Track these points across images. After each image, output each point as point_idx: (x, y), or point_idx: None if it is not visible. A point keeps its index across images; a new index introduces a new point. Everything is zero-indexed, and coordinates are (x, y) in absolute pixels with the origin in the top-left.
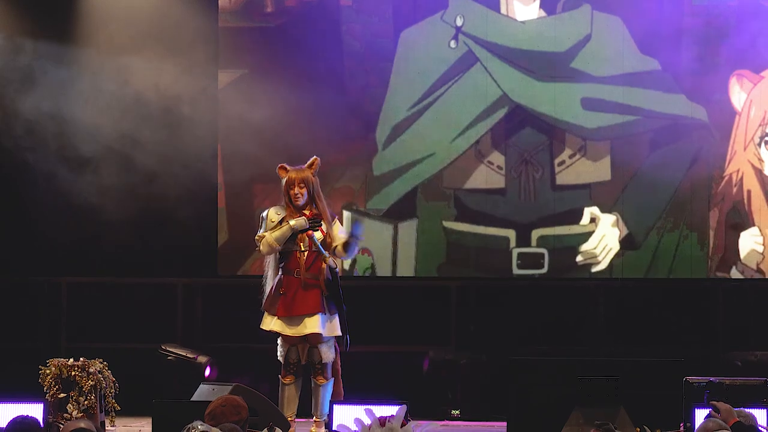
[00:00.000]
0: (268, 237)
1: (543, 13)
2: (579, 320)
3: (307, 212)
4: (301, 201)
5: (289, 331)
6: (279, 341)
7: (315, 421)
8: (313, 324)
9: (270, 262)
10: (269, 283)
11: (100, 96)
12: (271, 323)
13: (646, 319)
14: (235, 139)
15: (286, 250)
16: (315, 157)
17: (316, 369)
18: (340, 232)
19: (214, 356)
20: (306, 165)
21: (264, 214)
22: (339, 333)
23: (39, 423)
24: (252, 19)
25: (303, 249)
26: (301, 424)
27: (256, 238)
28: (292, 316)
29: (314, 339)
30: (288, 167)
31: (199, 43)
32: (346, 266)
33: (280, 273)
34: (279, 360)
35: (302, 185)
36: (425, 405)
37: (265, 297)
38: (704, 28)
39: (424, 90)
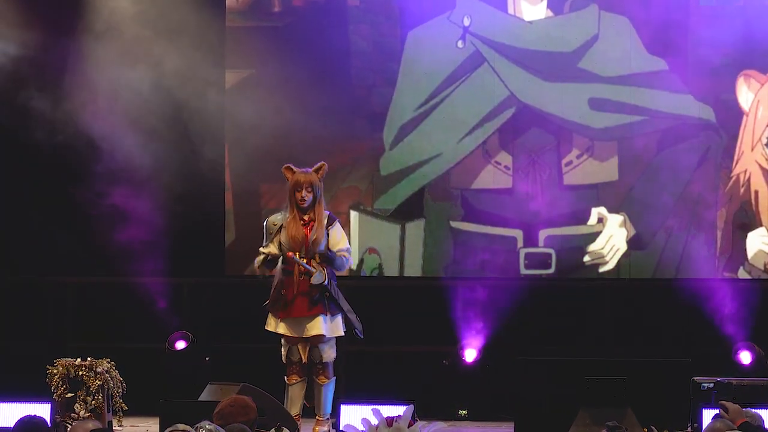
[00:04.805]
0: (257, 264)
1: (550, 13)
2: (586, 320)
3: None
4: (306, 204)
5: (292, 333)
6: (282, 341)
7: (318, 419)
8: (316, 326)
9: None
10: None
11: (105, 95)
12: (275, 326)
13: (653, 319)
14: (242, 139)
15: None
16: (323, 162)
17: (317, 368)
18: (338, 238)
19: (220, 356)
20: (313, 169)
21: (265, 222)
22: (341, 333)
23: (46, 423)
24: (259, 19)
25: (299, 256)
26: (306, 424)
27: (260, 250)
28: (294, 318)
29: (315, 339)
30: (294, 168)
31: (206, 43)
32: (354, 266)
33: (281, 273)
34: (282, 361)
35: (310, 189)
36: (432, 405)
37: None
38: (711, 28)
39: (432, 90)
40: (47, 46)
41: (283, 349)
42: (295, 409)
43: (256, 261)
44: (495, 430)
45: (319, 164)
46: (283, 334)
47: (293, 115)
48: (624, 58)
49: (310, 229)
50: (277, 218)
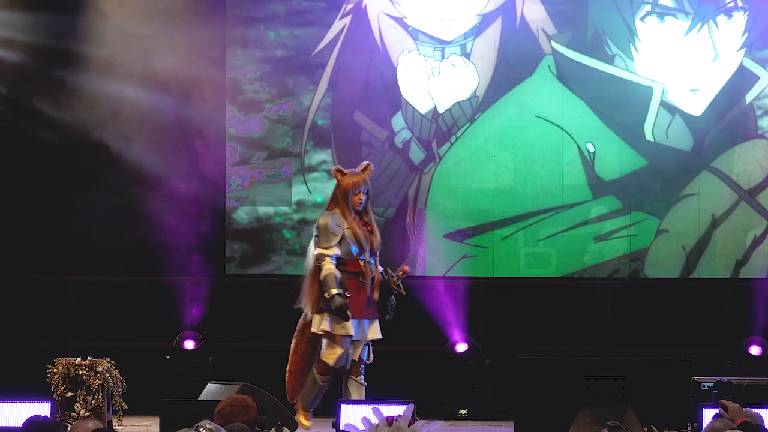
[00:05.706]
0: (329, 278)
1: (550, 13)
2: (587, 320)
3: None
4: (360, 207)
5: (358, 335)
6: (336, 342)
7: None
8: (376, 329)
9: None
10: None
11: (106, 97)
12: (337, 326)
13: (654, 319)
14: (243, 139)
15: (348, 257)
16: (368, 162)
17: (359, 369)
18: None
19: (220, 355)
20: (359, 169)
21: (323, 223)
22: None
23: (55, 424)
24: (260, 19)
25: (367, 258)
26: (317, 423)
27: (320, 253)
28: (361, 320)
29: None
30: (345, 170)
31: (208, 43)
32: None
33: (340, 275)
34: (323, 359)
35: (366, 191)
36: (432, 404)
37: (317, 298)
38: (714, 25)
39: (435, 89)
40: (50, 46)
41: (330, 350)
42: (313, 405)
43: (330, 283)
44: (495, 429)
45: (365, 164)
46: (347, 335)
47: (294, 114)
48: (625, 56)
49: (371, 231)
50: (339, 220)
